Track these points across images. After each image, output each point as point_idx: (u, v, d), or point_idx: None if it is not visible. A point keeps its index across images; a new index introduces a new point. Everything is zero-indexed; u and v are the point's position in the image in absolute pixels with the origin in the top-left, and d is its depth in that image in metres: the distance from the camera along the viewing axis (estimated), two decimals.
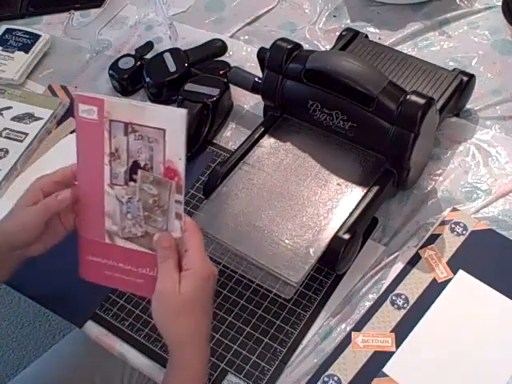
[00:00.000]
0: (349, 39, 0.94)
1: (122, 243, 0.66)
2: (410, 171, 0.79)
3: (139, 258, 0.65)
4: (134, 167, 0.62)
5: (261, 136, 0.84)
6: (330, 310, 0.77)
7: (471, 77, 0.89)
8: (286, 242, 0.74)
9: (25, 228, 0.66)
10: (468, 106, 0.93)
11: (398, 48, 1.02)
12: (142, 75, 1.00)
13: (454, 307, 0.75)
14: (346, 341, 0.74)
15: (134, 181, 0.63)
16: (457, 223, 0.81)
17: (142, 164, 0.62)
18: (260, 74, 0.90)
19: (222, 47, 1.03)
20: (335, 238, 0.73)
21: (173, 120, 0.59)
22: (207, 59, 1.01)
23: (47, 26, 1.18)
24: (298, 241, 0.74)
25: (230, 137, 0.97)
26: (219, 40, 1.04)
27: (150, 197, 0.62)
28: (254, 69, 0.96)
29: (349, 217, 0.75)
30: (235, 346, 0.75)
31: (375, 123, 0.77)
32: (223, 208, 0.78)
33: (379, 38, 1.04)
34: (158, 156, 0.61)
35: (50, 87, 1.08)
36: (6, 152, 0.98)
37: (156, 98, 1.00)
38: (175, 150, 0.60)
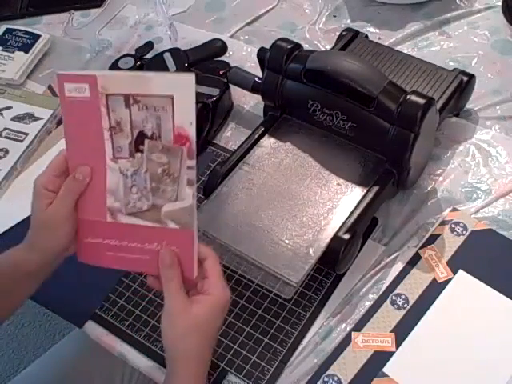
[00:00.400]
0: (349, 39, 0.94)
1: (126, 220, 0.64)
2: (409, 171, 0.79)
3: (145, 233, 0.63)
4: (140, 138, 0.61)
5: (261, 136, 0.84)
6: (329, 310, 0.77)
7: (471, 77, 0.89)
8: (286, 242, 0.74)
9: (57, 229, 0.65)
10: (468, 106, 0.93)
11: (398, 48, 1.02)
12: None
13: (454, 307, 0.75)
14: (346, 341, 0.74)
15: (141, 152, 0.61)
16: (457, 223, 0.81)
17: (149, 134, 0.60)
18: (260, 74, 0.90)
19: (222, 47, 1.03)
20: (335, 237, 0.73)
21: (181, 85, 0.58)
22: (207, 59, 1.01)
23: (47, 26, 1.18)
24: (298, 241, 0.74)
25: (230, 137, 0.97)
26: (219, 40, 1.04)
27: (159, 166, 0.61)
28: (254, 69, 0.96)
29: (349, 217, 0.75)
30: (235, 346, 0.75)
31: (375, 123, 0.77)
32: (223, 208, 0.78)
33: (379, 38, 1.04)
34: (166, 124, 0.60)
35: (50, 87, 1.08)
36: (6, 152, 0.98)
37: None
38: (185, 116, 0.59)
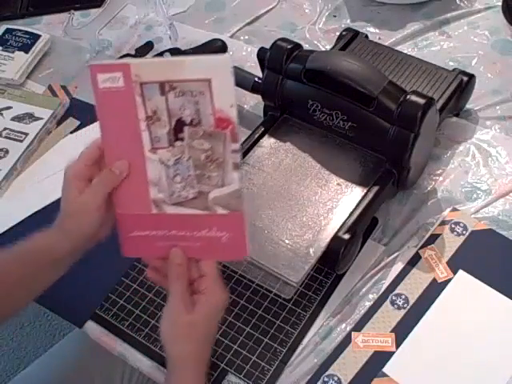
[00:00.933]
0: (349, 39, 0.94)
1: (172, 210, 0.62)
2: (409, 171, 0.79)
3: (193, 221, 0.62)
4: (179, 125, 0.59)
5: (261, 136, 0.84)
6: (330, 310, 0.77)
7: (471, 77, 0.89)
8: (286, 242, 0.74)
9: (89, 216, 0.64)
10: (468, 106, 0.93)
11: (398, 48, 1.02)
12: None
13: (454, 307, 0.75)
14: (346, 341, 0.74)
15: (181, 140, 0.60)
16: (457, 223, 0.81)
17: (188, 120, 0.59)
18: (260, 74, 0.90)
19: (222, 47, 1.03)
20: (335, 238, 0.73)
21: (218, 67, 0.57)
22: None
23: (47, 26, 1.18)
24: (298, 241, 0.74)
25: None
26: (219, 40, 1.04)
27: (202, 152, 0.60)
28: (254, 69, 0.96)
29: (349, 217, 0.75)
30: (235, 346, 0.75)
31: (375, 123, 0.77)
32: None
33: (379, 38, 1.04)
34: (205, 108, 0.58)
35: (49, 87, 1.08)
36: (6, 152, 0.98)
37: None
38: (225, 98, 0.58)
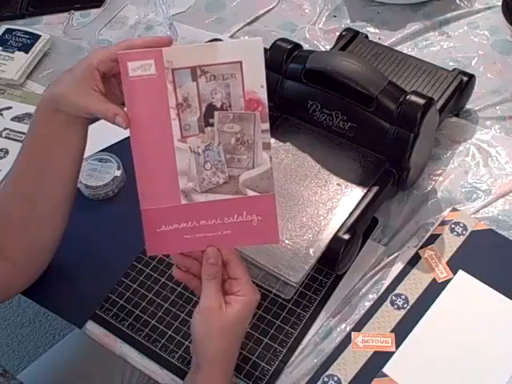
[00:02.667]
0: (349, 39, 0.94)
1: (202, 198, 0.62)
2: (409, 171, 0.79)
3: (223, 207, 0.62)
4: (209, 111, 0.59)
5: None
6: (329, 310, 0.77)
7: (471, 77, 0.89)
8: (286, 242, 0.74)
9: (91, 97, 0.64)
10: (468, 106, 0.93)
11: (398, 48, 1.02)
12: None
13: (454, 307, 0.75)
14: (346, 341, 0.74)
15: (211, 125, 0.60)
16: (457, 223, 0.81)
17: (219, 105, 0.59)
18: None
19: None
20: (335, 238, 0.73)
21: (249, 49, 0.58)
22: None
23: (47, 26, 1.18)
24: (298, 241, 0.74)
25: None
26: (219, 40, 1.03)
27: (232, 136, 0.60)
28: None
29: (349, 217, 0.75)
30: None
31: (375, 123, 0.77)
32: None
33: (379, 38, 1.04)
34: (236, 91, 0.59)
35: None
36: (6, 152, 0.98)
37: None
38: (256, 79, 0.58)
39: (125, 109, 0.61)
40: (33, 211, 0.71)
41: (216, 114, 0.60)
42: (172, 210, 0.62)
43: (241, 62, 0.58)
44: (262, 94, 0.59)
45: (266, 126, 0.60)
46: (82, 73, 0.64)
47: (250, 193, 0.62)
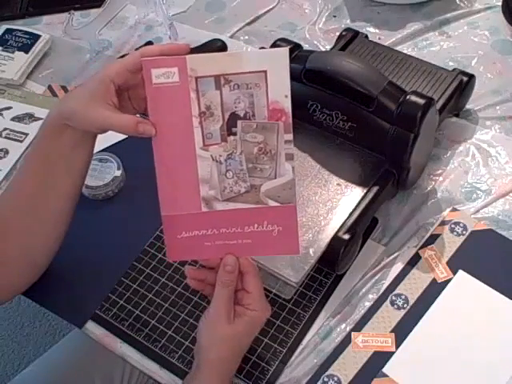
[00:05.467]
0: (349, 39, 0.94)
1: (223, 206, 0.62)
2: (409, 171, 0.79)
3: (244, 216, 0.62)
4: (232, 120, 0.59)
5: None
6: (329, 310, 0.77)
7: (471, 77, 0.89)
8: None
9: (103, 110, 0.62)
10: (468, 106, 0.93)
11: (398, 48, 1.02)
12: None
13: (454, 307, 0.75)
14: (346, 341, 0.74)
15: (234, 134, 0.60)
16: (457, 223, 0.81)
17: (242, 114, 0.59)
18: None
19: (222, 47, 1.03)
20: (335, 238, 0.73)
21: (275, 59, 0.57)
22: None
23: (47, 26, 1.18)
24: None
25: None
26: (219, 40, 1.04)
27: (254, 145, 0.60)
28: None
29: (349, 217, 0.75)
30: None
31: (375, 123, 0.77)
32: None
33: (379, 38, 1.04)
34: (260, 100, 0.58)
35: (49, 87, 1.07)
36: (6, 152, 0.98)
37: None
38: (280, 89, 0.58)
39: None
40: (34, 224, 0.71)
41: (239, 123, 0.59)
42: (193, 217, 0.62)
43: (266, 72, 0.57)
44: (286, 104, 0.58)
45: (290, 136, 0.59)
46: (96, 87, 0.63)
47: (271, 203, 0.62)
